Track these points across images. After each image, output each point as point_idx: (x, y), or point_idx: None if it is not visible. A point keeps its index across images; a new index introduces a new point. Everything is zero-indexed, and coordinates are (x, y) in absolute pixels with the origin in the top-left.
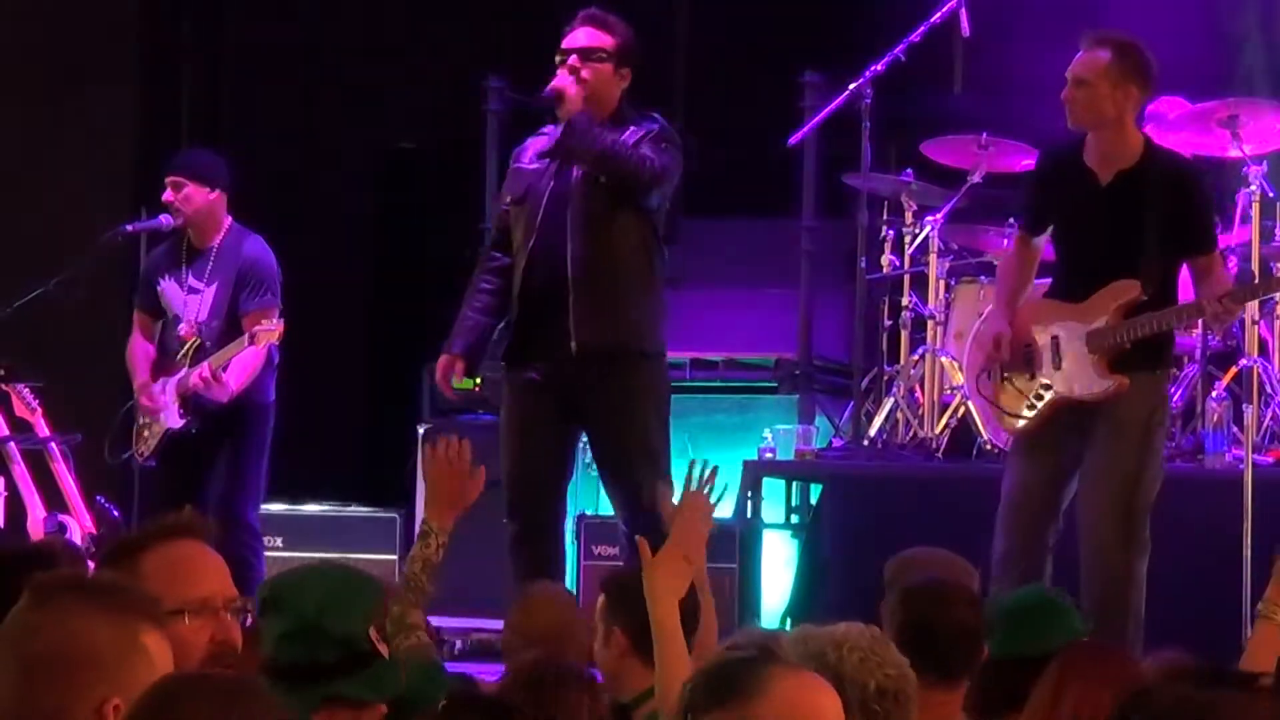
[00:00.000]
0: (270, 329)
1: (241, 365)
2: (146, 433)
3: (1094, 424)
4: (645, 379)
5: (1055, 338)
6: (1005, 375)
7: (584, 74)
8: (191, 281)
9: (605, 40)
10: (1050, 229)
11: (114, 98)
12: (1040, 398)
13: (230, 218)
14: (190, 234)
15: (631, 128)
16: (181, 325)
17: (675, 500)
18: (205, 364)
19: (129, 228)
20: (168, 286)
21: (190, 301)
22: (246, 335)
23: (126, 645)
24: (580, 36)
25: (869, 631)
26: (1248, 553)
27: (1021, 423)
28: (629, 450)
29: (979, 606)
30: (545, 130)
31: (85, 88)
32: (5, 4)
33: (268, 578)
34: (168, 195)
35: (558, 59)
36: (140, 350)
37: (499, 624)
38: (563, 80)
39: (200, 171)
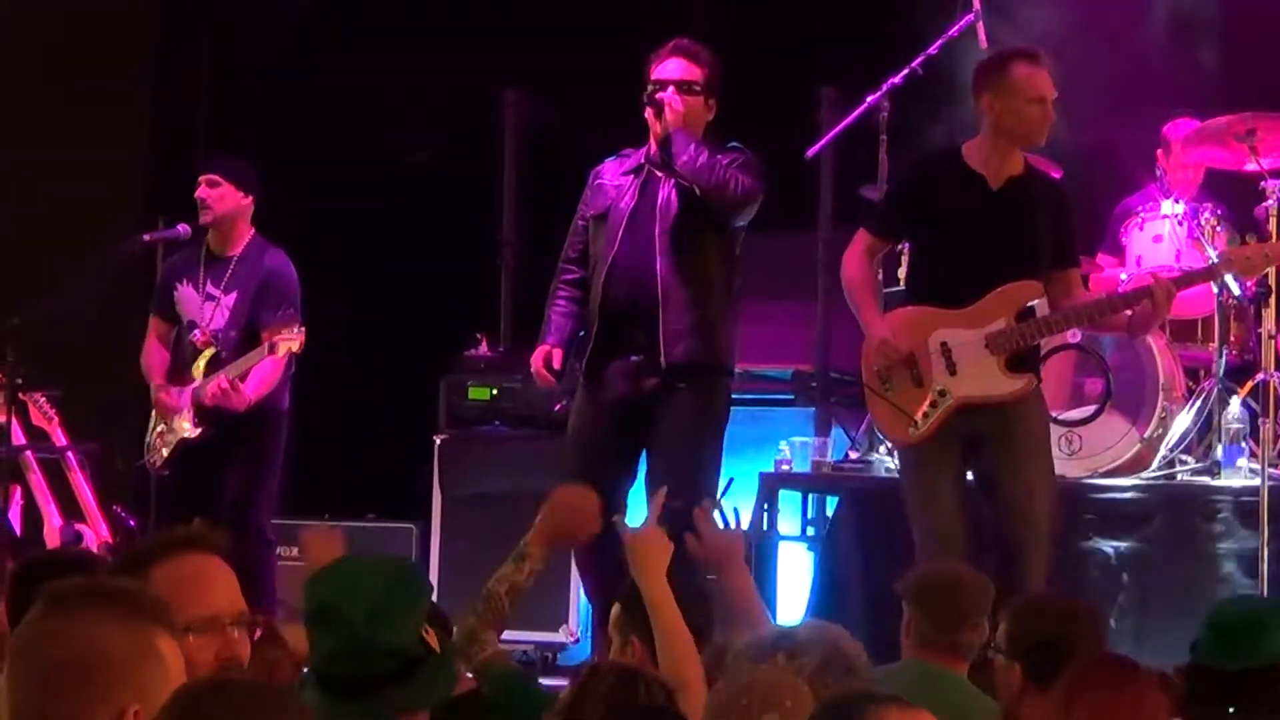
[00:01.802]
0: (291, 337)
1: (260, 375)
2: (160, 442)
3: (993, 429)
4: (722, 396)
5: (944, 343)
6: (887, 386)
7: (677, 105)
8: (209, 288)
9: (696, 73)
10: (908, 235)
11: (129, 110)
12: (935, 405)
13: (253, 230)
14: (211, 240)
15: (720, 155)
16: (195, 332)
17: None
18: (222, 374)
19: (146, 237)
20: (185, 292)
21: (207, 308)
22: (266, 345)
23: (143, 651)
24: (674, 68)
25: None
26: (1264, 567)
27: (915, 430)
28: (686, 464)
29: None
30: (625, 152)
31: (101, 100)
32: (22, 18)
33: (311, 583)
34: (202, 191)
35: (651, 88)
36: (156, 356)
37: (530, 636)
38: (668, 96)
39: (238, 174)
